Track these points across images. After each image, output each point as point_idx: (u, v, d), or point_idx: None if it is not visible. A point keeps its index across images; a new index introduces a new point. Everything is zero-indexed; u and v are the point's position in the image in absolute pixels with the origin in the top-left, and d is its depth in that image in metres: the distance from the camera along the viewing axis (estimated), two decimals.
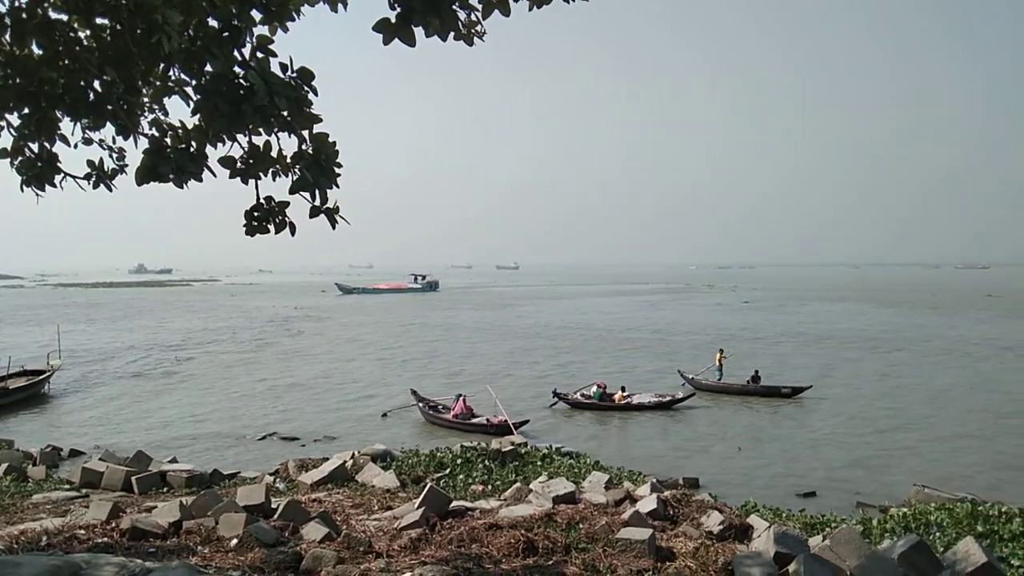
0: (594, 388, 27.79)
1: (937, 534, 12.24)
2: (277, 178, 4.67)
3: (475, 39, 4.52)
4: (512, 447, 16.80)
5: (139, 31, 4.15)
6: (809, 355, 42.18)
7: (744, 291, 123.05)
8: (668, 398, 27.56)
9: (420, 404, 25.63)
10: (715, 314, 74.01)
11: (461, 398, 24.36)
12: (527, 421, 23.55)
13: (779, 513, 13.30)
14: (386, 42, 4.24)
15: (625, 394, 27.44)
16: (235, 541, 7.78)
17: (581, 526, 9.09)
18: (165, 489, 13.49)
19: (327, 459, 15.77)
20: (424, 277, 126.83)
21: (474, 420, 23.59)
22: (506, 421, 22.60)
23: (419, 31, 4.26)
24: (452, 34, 4.41)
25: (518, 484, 12.83)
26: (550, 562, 7.55)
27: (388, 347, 46.08)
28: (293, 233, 4.67)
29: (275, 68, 4.30)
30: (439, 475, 14.67)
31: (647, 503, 10.78)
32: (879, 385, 32.19)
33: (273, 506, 9.66)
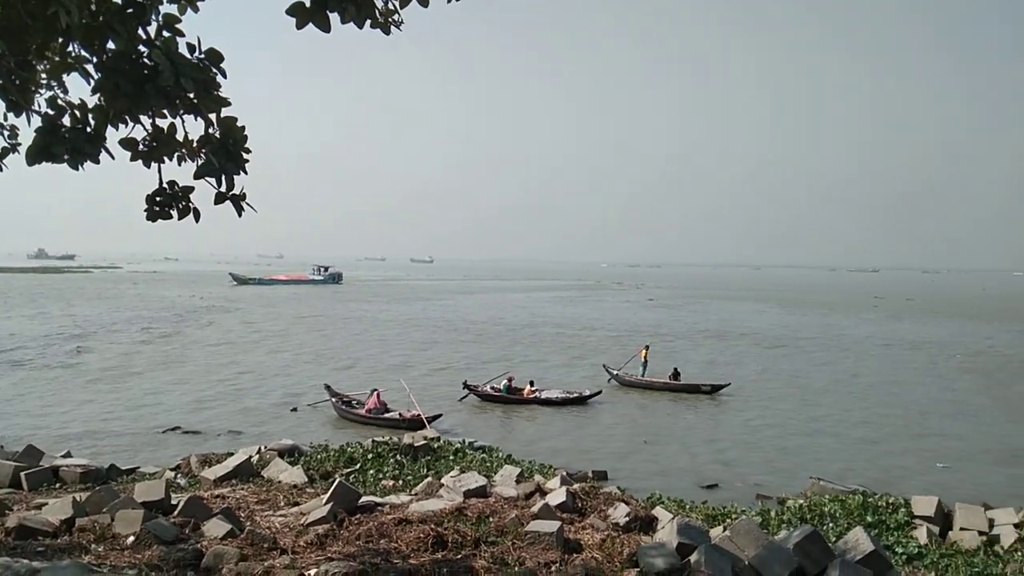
0: (503, 381, 27.93)
1: (830, 524, 12.87)
2: (182, 162, 4.50)
3: (392, 28, 4.47)
4: (425, 442, 16.73)
5: (34, 2, 3.93)
6: (719, 352, 43.59)
7: (650, 289, 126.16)
8: (576, 394, 27.89)
9: (333, 399, 25.18)
10: (624, 311, 75.59)
11: (375, 393, 24.07)
12: (440, 415, 23.47)
13: (683, 505, 13.70)
14: (299, 26, 4.14)
15: (533, 388, 27.65)
16: (132, 539, 7.49)
17: (491, 519, 9.14)
18: (58, 485, 12.81)
19: (232, 454, 15.35)
20: (326, 269, 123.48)
21: (387, 415, 23.34)
22: (419, 415, 22.47)
23: (335, 17, 4.19)
24: (369, 22, 4.34)
25: (429, 479, 12.80)
26: (459, 556, 7.56)
27: (297, 340, 45.09)
28: (197, 219, 4.52)
29: (182, 49, 4.14)
30: (349, 470, 14.48)
31: (556, 496, 10.94)
32: (783, 381, 33.55)
33: (173, 502, 9.34)
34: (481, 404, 27.04)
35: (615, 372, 32.41)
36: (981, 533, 12.82)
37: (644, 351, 33.24)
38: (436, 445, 16.81)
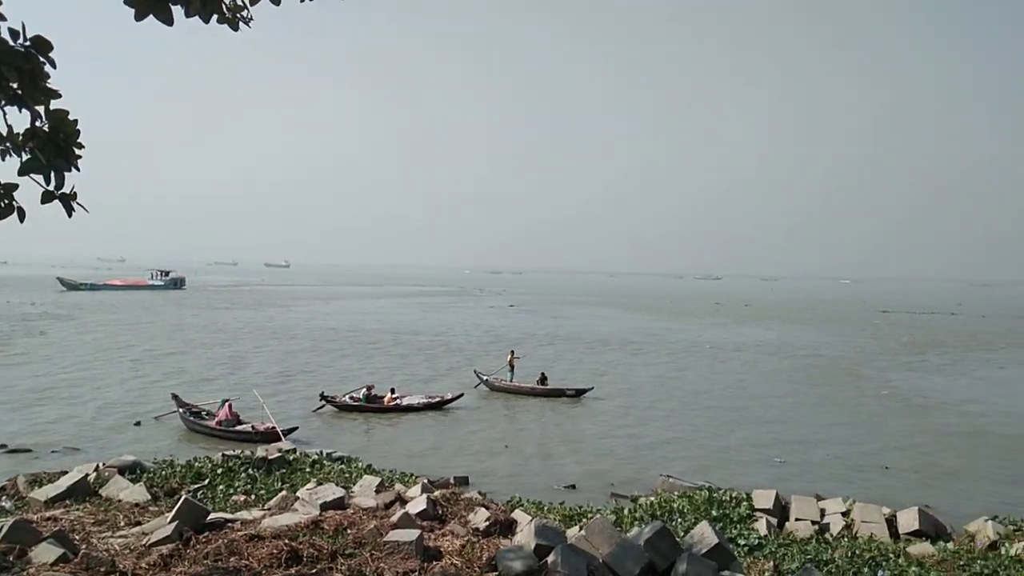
0: (363, 390, 27.46)
1: (679, 520, 13.48)
2: (6, 157, 4.14)
3: (241, 24, 4.29)
4: (280, 454, 16.19)
5: None
6: (578, 356, 44.80)
7: (511, 295, 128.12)
8: (438, 399, 27.87)
9: (181, 410, 23.84)
10: (486, 317, 76.25)
11: (227, 404, 22.99)
12: (296, 428, 22.74)
13: (542, 507, 13.97)
14: (138, 18, 3.91)
15: (394, 396, 27.36)
16: None
17: (349, 531, 8.94)
18: None
19: (66, 472, 14.23)
20: (167, 273, 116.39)
21: (239, 427, 22.37)
22: (274, 428, 21.69)
23: (179, 11, 3.98)
24: (216, 17, 4.15)
25: (284, 492, 12.38)
26: (314, 571, 7.35)
27: (140, 350, 42.42)
28: (22, 219, 4.16)
29: (5, 35, 3.81)
30: (197, 486, 13.78)
31: (417, 504, 10.86)
32: (639, 384, 34.89)
33: None
34: (339, 414, 26.44)
35: (485, 377, 32.62)
36: (814, 522, 13.87)
37: (511, 356, 33.70)
38: (292, 457, 16.30)
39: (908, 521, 13.66)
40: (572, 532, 9.24)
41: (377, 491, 12.81)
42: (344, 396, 27.41)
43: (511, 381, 32.42)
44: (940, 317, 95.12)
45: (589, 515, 12.83)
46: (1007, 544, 12.35)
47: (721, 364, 42.99)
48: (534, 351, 45.41)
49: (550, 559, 7.51)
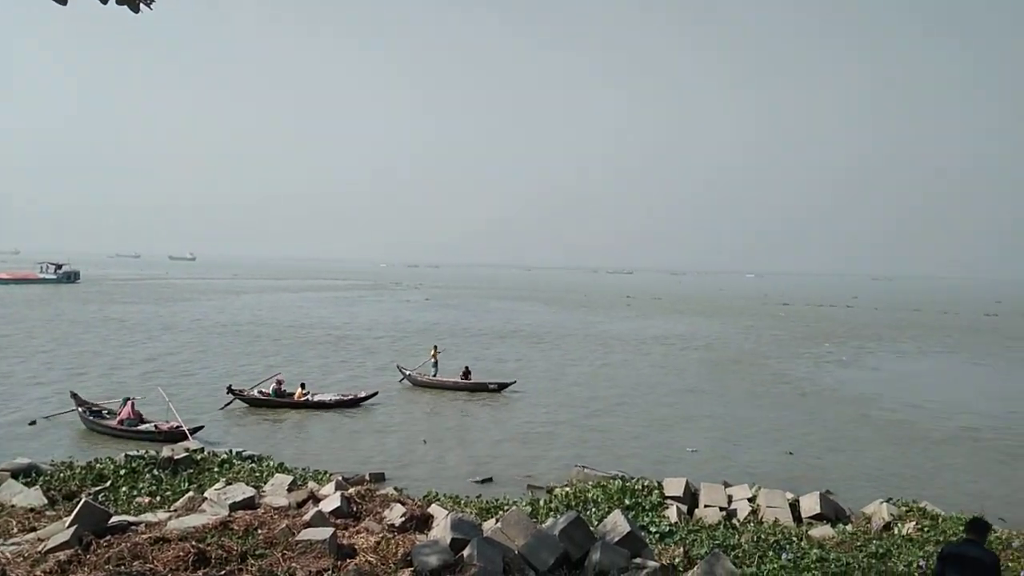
0: (272, 384, 26.84)
1: (593, 509, 13.70)
2: None
3: (143, 6, 4.10)
4: (186, 454, 15.65)
5: None
6: (498, 350, 44.94)
7: (428, 289, 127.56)
8: (351, 396, 27.43)
9: (80, 409, 22.73)
10: (402, 311, 75.66)
11: (129, 402, 22.06)
12: (203, 427, 22.02)
13: (458, 501, 13.96)
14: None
15: (305, 392, 26.79)
16: None
17: (259, 532, 8.72)
18: None
19: None
20: (60, 267, 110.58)
21: (143, 426, 21.51)
22: (179, 426, 20.95)
23: None
24: None
25: (191, 493, 11.97)
26: (222, 572, 7.15)
27: (31, 346, 40.26)
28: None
29: None
30: (97, 489, 13.17)
31: (330, 502, 10.69)
32: (555, 376, 35.32)
33: None
34: (249, 410, 25.77)
35: (408, 372, 32.30)
36: (722, 508, 14.33)
37: (434, 351, 33.51)
38: (199, 457, 15.78)
39: (810, 505, 14.28)
40: (488, 525, 9.26)
41: (289, 490, 12.53)
42: (252, 390, 26.71)
43: (434, 376, 32.23)
44: (837, 310, 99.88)
45: (506, 507, 12.90)
46: (899, 524, 13.07)
47: (635, 357, 43.92)
48: (457, 345, 45.34)
49: (466, 552, 7.52)
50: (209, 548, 7.64)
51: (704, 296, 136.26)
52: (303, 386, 27.08)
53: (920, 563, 10.64)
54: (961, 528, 12.40)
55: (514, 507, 11.91)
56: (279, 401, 26.16)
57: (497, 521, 9.17)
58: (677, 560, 9.62)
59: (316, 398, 26.77)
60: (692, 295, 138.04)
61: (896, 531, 12.80)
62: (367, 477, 16.81)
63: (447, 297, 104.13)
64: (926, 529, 12.65)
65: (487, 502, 13.85)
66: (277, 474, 14.35)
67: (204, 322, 56.38)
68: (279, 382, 26.95)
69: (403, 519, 9.96)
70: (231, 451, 17.17)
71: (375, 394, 27.99)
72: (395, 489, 14.31)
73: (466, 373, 31.96)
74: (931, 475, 20.18)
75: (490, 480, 18.32)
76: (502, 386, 31.16)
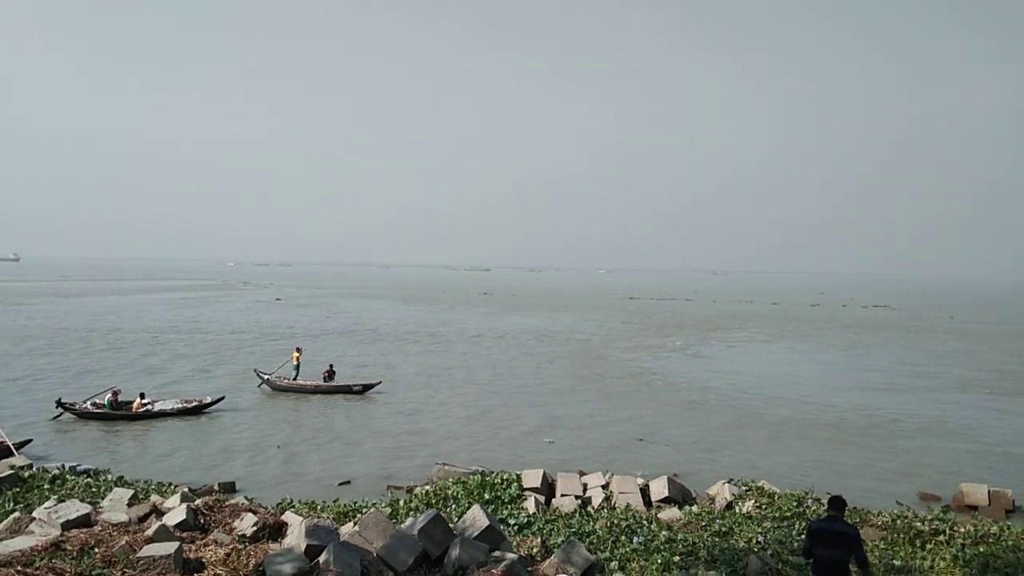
0: (107, 396, 25.07)
1: (453, 506, 13.75)
2: None
3: None
4: (11, 471, 14.39)
5: None
6: (359, 351, 44.05)
7: (279, 288, 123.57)
8: (195, 402, 26.00)
9: None
10: (252, 311, 72.77)
11: None
12: (30, 440, 20.27)
13: (315, 506, 13.59)
14: None
15: (144, 401, 25.14)
16: None
17: (96, 550, 8.15)
18: None
19: None
20: None
21: None
22: (2, 442, 19.19)
23: None
24: None
25: (17, 514, 10.99)
26: None
27: None
28: None
29: None
30: None
31: (175, 515, 10.14)
32: (417, 375, 35.09)
33: None
34: (83, 424, 23.92)
35: (266, 376, 30.95)
36: (577, 497, 14.77)
37: (296, 354, 32.37)
38: (27, 474, 14.55)
39: (659, 489, 14.99)
40: (346, 529, 9.07)
41: (130, 504, 11.77)
42: (86, 403, 24.81)
43: (295, 379, 31.13)
44: (678, 303, 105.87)
45: (364, 510, 12.70)
46: (740, 503, 13.96)
47: (495, 353, 44.40)
48: (313, 346, 44.04)
49: (322, 559, 7.34)
50: (38, 572, 7.05)
51: (560, 291, 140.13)
52: (142, 396, 25.43)
53: (759, 538, 11.41)
54: (795, 504, 13.48)
55: (373, 509, 11.75)
56: (116, 414, 24.45)
57: (355, 524, 9.01)
58: (535, 550, 9.81)
59: (157, 407, 25.22)
60: (548, 291, 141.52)
61: (737, 510, 13.66)
62: (216, 487, 16.08)
63: (300, 296, 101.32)
64: (764, 507, 13.58)
65: (345, 506, 13.57)
66: (116, 488, 13.45)
67: (29, 326, 51.83)
68: (115, 393, 25.20)
69: (255, 528, 9.60)
70: (63, 466, 15.96)
71: (221, 399, 26.69)
72: (246, 498, 13.74)
73: (330, 372, 31.14)
74: (767, 455, 21.63)
75: (349, 483, 17.97)
76: (367, 387, 30.55)
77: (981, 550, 10.89)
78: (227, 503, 11.60)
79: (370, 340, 50.06)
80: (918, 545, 11.46)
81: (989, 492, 16.59)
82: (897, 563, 10.49)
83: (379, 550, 7.75)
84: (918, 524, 12.14)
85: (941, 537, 11.59)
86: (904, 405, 29.86)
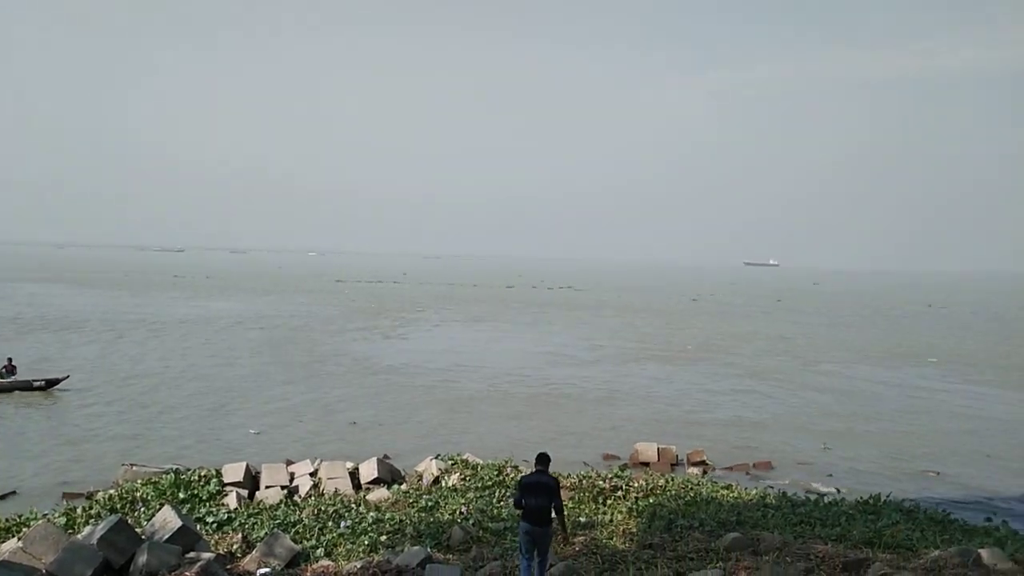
0: None
1: (143, 509, 12.62)
2: None
3: None
4: None
5: None
6: (38, 341, 38.44)
7: None
8: None
9: None
10: None
11: None
12: None
13: None
14: None
15: None
16: None
17: None
18: None
19: None
20: None
21: None
22: None
23: None
24: None
25: None
26: None
27: None
28: None
29: None
30: None
31: None
32: (111, 368, 31.70)
33: None
34: None
35: None
36: (284, 487, 14.32)
37: None
38: None
39: (368, 471, 15.05)
40: (9, 546, 7.92)
41: None
42: None
43: None
44: (387, 285, 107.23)
45: (32, 522, 11.16)
46: (446, 477, 14.47)
47: (194, 340, 41.32)
48: None
49: None
50: None
51: (265, 274, 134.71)
52: None
53: (463, 509, 11.93)
54: (495, 474, 14.29)
55: (41, 521, 10.36)
56: None
57: (19, 539, 7.90)
58: (235, 547, 9.36)
59: None
60: (251, 273, 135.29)
61: (443, 484, 14.15)
62: None
63: None
64: (468, 479, 14.21)
65: (7, 520, 11.83)
66: None
67: None
68: None
69: None
70: None
71: None
72: None
73: (9, 366, 26.96)
74: (468, 428, 22.68)
75: (13, 494, 15.71)
76: (51, 383, 26.69)
77: (651, 501, 12.40)
78: None
79: (51, 329, 44.06)
80: (600, 501, 12.76)
81: (658, 449, 18.95)
82: (583, 520, 11.57)
83: (49, 565, 6.86)
84: (600, 482, 13.48)
85: (619, 493, 12.99)
86: (586, 375, 32.99)
